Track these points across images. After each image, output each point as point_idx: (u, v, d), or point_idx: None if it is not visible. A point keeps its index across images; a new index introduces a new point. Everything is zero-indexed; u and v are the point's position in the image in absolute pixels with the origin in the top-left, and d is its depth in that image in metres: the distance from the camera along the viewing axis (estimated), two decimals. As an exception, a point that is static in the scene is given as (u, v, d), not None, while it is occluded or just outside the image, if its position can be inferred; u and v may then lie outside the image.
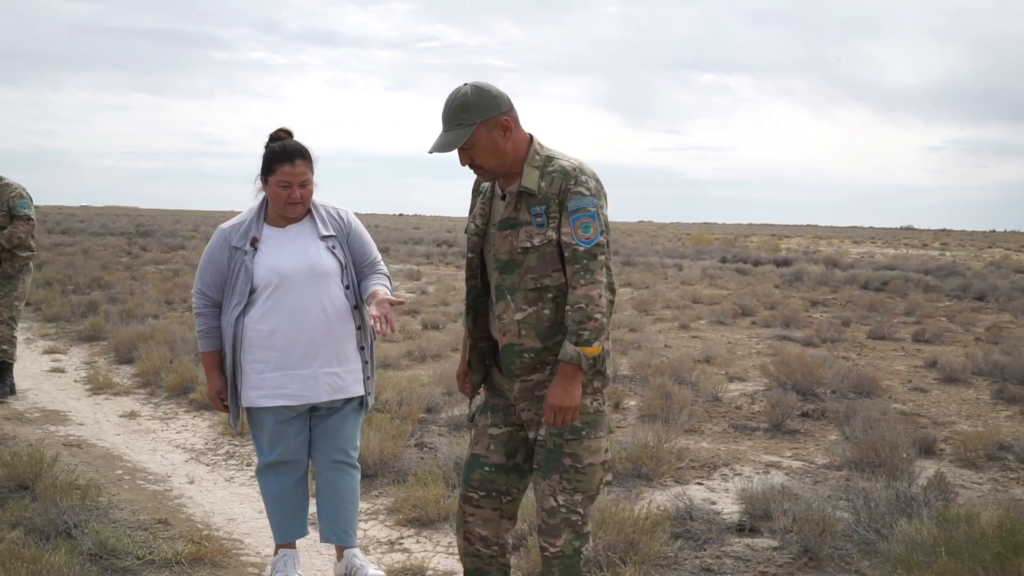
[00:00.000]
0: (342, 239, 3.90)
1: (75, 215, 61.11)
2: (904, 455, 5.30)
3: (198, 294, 3.89)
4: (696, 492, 5.31)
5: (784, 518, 4.53)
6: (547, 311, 3.13)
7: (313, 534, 4.23)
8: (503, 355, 3.23)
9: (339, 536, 3.97)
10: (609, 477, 3.28)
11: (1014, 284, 20.27)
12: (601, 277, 3.04)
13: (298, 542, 4.10)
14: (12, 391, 7.68)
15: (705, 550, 4.42)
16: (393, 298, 3.66)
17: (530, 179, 3.11)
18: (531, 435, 3.24)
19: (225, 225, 3.91)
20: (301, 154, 3.78)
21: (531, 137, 3.19)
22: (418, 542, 4.62)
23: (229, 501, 5.26)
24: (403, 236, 39.70)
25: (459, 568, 4.25)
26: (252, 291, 3.77)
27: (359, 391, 3.91)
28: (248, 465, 5.95)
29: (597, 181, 3.13)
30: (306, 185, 3.80)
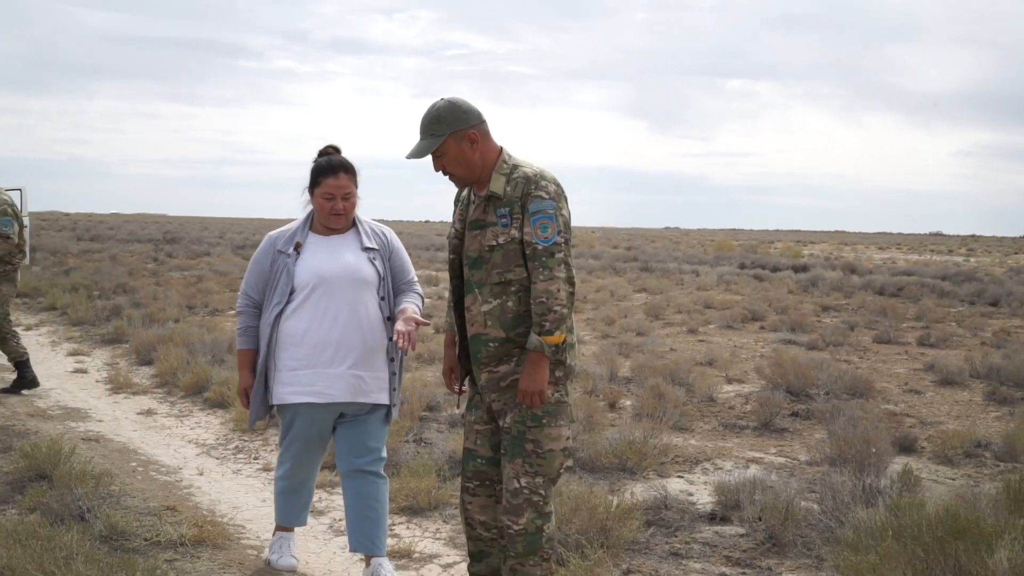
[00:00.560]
0: (384, 254, 4.10)
1: (105, 222, 62.04)
2: (873, 449, 5.53)
3: (242, 295, 4.15)
4: (675, 484, 5.58)
5: (752, 508, 4.80)
6: (510, 303, 3.45)
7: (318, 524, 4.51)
8: (471, 344, 3.56)
9: (365, 545, 4.13)
10: (569, 462, 3.59)
11: (1029, 290, 20.32)
12: (559, 273, 3.36)
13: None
14: (34, 384, 8.10)
15: (676, 536, 4.70)
16: (420, 318, 3.90)
17: (497, 184, 3.46)
18: (501, 423, 3.56)
19: (273, 232, 4.17)
20: (345, 168, 4.00)
21: (501, 148, 3.54)
22: (408, 528, 4.92)
23: (235, 491, 5.58)
24: (425, 243, 40.10)
25: (444, 551, 4.60)
26: (291, 292, 4.00)
27: (383, 399, 4.08)
28: (255, 459, 6.28)
29: (557, 185, 3.46)
30: (349, 198, 4.03)
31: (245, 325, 4.14)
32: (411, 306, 4.00)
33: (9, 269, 8.05)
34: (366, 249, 4.07)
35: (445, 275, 23.81)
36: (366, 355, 4.01)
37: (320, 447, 4.22)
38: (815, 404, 7.81)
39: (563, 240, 3.41)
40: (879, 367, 10.36)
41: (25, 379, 8.08)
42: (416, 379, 8.08)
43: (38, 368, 9.40)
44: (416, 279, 4.21)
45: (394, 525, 4.94)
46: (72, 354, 10.44)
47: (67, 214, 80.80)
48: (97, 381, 8.98)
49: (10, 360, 8.13)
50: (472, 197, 3.59)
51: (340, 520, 4.84)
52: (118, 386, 8.58)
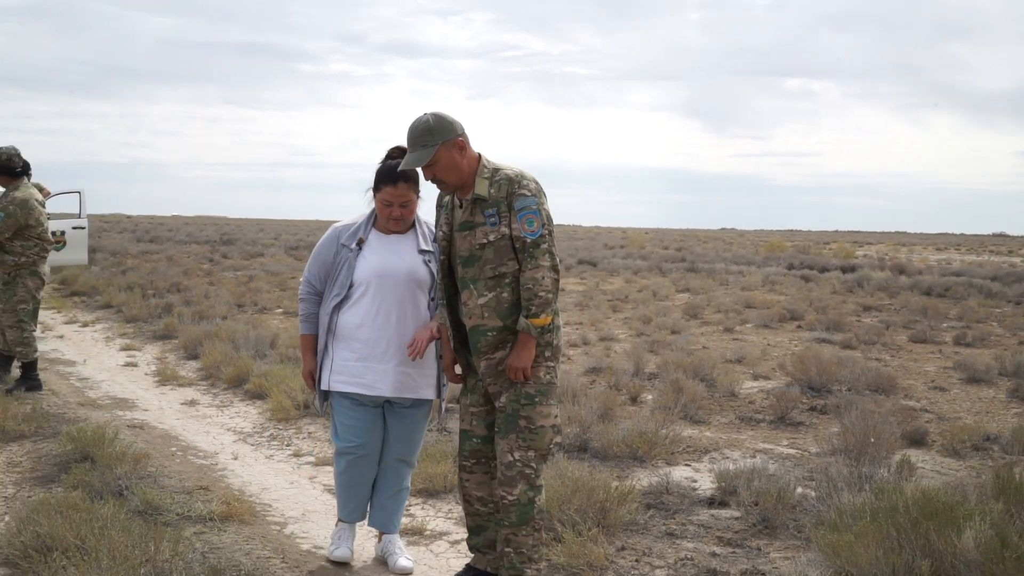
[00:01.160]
0: (438, 256, 4.22)
1: (165, 224, 63.48)
2: (872, 440, 5.71)
3: (304, 282, 4.40)
4: (681, 472, 5.82)
5: (748, 493, 5.02)
6: (505, 294, 3.78)
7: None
8: (471, 336, 3.87)
9: (383, 523, 4.46)
10: (558, 439, 3.92)
11: (1080, 290, 20.07)
12: (544, 262, 3.70)
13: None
14: (38, 387, 8.06)
15: (674, 519, 4.94)
16: (435, 330, 4.15)
17: (481, 188, 3.78)
18: (496, 404, 3.87)
19: (339, 224, 4.39)
20: (405, 177, 4.13)
21: (480, 155, 3.85)
22: (423, 509, 5.23)
23: (266, 474, 5.94)
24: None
25: (454, 529, 4.89)
26: (350, 286, 4.26)
27: (430, 395, 4.35)
28: (288, 446, 6.63)
29: (536, 183, 3.80)
30: (407, 205, 4.20)
31: (308, 312, 4.37)
32: (438, 314, 4.16)
33: (15, 263, 7.98)
34: (422, 251, 4.27)
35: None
36: None
37: (373, 434, 4.32)
38: (834, 399, 7.96)
39: (547, 232, 3.74)
40: (909, 365, 10.45)
41: (30, 379, 8.09)
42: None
43: (92, 362, 9.91)
44: None
45: (411, 506, 5.25)
46: (124, 349, 10.93)
47: (129, 216, 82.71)
48: (146, 374, 9.43)
49: (17, 359, 8.11)
50: (456, 202, 3.88)
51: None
52: (165, 378, 9.02)
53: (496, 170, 3.80)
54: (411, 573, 4.33)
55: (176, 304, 14.24)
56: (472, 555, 4.15)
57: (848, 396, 8.07)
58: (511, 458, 3.78)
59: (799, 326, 14.18)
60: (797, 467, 5.89)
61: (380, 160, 4.24)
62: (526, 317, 3.70)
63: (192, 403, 8.03)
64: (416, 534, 4.82)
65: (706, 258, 33.06)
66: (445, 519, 5.06)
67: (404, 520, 4.92)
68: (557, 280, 3.75)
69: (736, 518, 4.94)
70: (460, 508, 5.16)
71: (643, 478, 5.58)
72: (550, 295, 3.72)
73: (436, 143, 3.72)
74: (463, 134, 3.79)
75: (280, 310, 14.89)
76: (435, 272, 4.20)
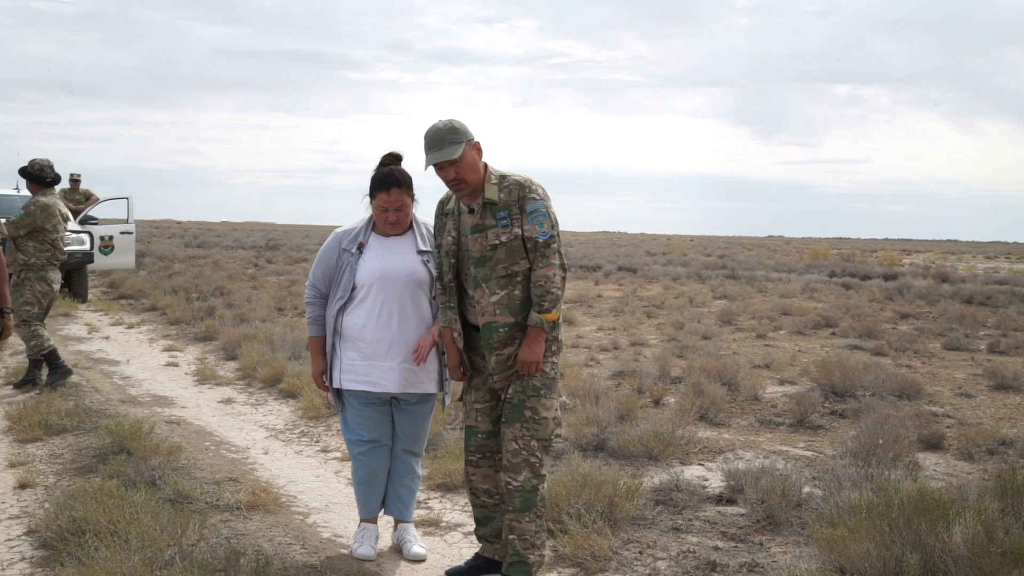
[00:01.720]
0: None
1: (213, 230, 64.53)
2: (880, 442, 5.82)
3: (310, 287, 4.65)
4: (693, 471, 5.96)
5: (755, 490, 5.16)
6: (516, 292, 4.01)
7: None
8: (483, 333, 4.09)
9: (399, 511, 4.69)
10: (560, 430, 4.13)
11: (1125, 299, 19.79)
12: (555, 260, 3.96)
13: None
14: (68, 371, 8.45)
15: (681, 515, 5.10)
16: (436, 335, 4.39)
17: (491, 192, 4.02)
18: (503, 396, 4.11)
19: (339, 230, 4.64)
20: (398, 183, 4.37)
21: (486, 163, 4.10)
22: (440, 502, 5.44)
23: (294, 468, 6.19)
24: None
25: (468, 521, 5.09)
26: (353, 288, 4.49)
27: (432, 389, 4.59)
28: (316, 442, 6.88)
29: (543, 189, 4.05)
30: (402, 209, 4.43)
31: (315, 315, 4.62)
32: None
33: (35, 264, 8.37)
34: (421, 252, 4.50)
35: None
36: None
37: (383, 428, 4.57)
38: (855, 404, 8.04)
39: (556, 233, 3.99)
40: (939, 372, 10.46)
41: (57, 367, 8.42)
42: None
43: (135, 362, 10.26)
44: None
45: (429, 499, 5.46)
46: (167, 350, 11.29)
47: (179, 222, 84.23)
48: (186, 374, 9.76)
49: (32, 353, 8.43)
50: (462, 208, 4.11)
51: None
52: (204, 378, 9.35)
53: (503, 176, 4.05)
54: (424, 560, 4.54)
55: (219, 307, 14.63)
56: (480, 544, 4.36)
57: (870, 401, 8.15)
58: (516, 446, 4.00)
59: (833, 333, 14.19)
60: (808, 467, 6.01)
61: (374, 168, 4.45)
62: (538, 312, 3.93)
63: (228, 401, 8.33)
64: (432, 525, 5.03)
65: (747, 265, 32.96)
66: (461, 512, 5.26)
67: (421, 512, 5.13)
68: (565, 278, 4.00)
69: (742, 515, 5.09)
70: (474, 502, 5.39)
71: (655, 476, 5.73)
72: (559, 292, 3.97)
73: (462, 140, 3.98)
74: (477, 140, 4.06)
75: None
76: (434, 272, 4.39)
